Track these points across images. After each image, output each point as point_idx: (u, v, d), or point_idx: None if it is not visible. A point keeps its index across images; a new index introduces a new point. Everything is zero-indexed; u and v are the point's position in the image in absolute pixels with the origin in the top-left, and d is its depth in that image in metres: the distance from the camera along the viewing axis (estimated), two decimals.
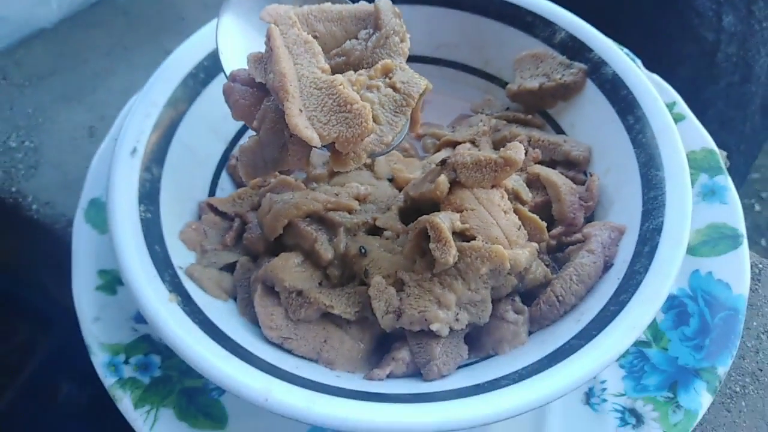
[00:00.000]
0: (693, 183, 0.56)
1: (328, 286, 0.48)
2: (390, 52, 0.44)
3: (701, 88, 0.99)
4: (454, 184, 0.47)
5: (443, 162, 0.48)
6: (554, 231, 0.51)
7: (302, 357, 0.46)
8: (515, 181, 0.50)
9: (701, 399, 0.46)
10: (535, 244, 0.47)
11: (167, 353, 0.49)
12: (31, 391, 0.86)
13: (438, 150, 0.60)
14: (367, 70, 0.43)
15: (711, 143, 0.59)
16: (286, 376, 0.41)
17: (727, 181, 0.56)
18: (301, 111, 0.39)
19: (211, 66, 0.55)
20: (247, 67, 0.42)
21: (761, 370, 0.55)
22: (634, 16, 0.93)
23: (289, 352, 0.46)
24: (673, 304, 0.51)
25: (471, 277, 0.44)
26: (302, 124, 0.38)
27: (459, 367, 0.46)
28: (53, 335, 0.90)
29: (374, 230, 0.51)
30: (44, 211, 0.66)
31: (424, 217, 0.45)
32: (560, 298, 0.46)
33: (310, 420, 0.38)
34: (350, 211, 0.52)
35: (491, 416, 0.38)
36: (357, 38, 0.44)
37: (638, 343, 0.50)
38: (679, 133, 0.53)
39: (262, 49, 0.41)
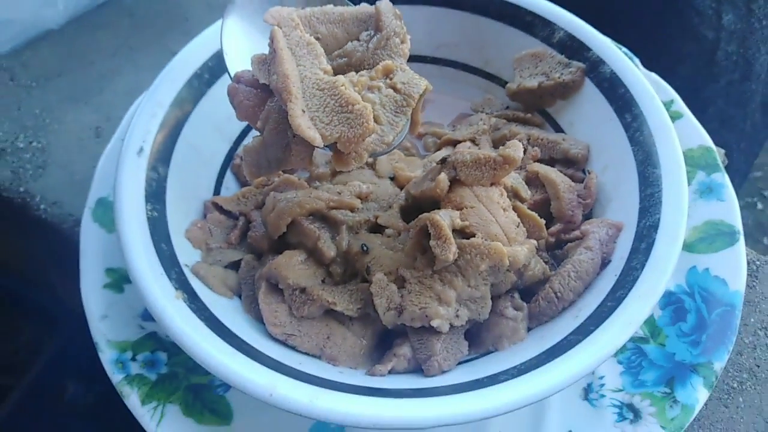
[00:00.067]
0: (690, 180, 0.56)
1: (331, 283, 0.49)
2: (391, 53, 0.44)
3: (701, 87, 0.99)
4: (454, 182, 0.48)
5: (443, 160, 0.49)
6: (553, 228, 0.52)
7: (306, 353, 0.47)
8: (514, 179, 0.51)
9: (698, 394, 0.47)
10: (534, 242, 0.47)
11: (173, 350, 0.50)
12: (38, 390, 0.87)
13: (439, 149, 0.61)
14: (369, 71, 0.43)
15: (708, 141, 0.59)
16: (290, 372, 0.42)
17: (724, 179, 0.57)
18: (303, 111, 0.39)
19: (215, 67, 0.56)
20: (251, 69, 0.43)
21: (758, 366, 0.56)
22: (635, 15, 0.93)
23: (293, 348, 0.47)
24: (670, 300, 0.52)
25: (471, 273, 0.44)
26: (305, 124, 0.39)
27: (459, 363, 0.46)
28: (59, 335, 0.91)
29: (376, 228, 0.52)
30: (52, 211, 0.66)
31: (425, 214, 0.46)
32: (558, 294, 0.46)
33: (314, 415, 0.39)
34: (352, 210, 0.52)
35: (490, 410, 0.38)
36: (358, 40, 0.45)
37: (636, 339, 0.50)
38: (677, 130, 0.53)
39: (266, 50, 0.42)
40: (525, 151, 0.56)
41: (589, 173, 0.54)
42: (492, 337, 0.47)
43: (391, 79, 0.43)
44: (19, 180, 0.68)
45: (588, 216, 0.53)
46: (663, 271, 0.43)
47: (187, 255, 0.50)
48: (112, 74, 0.77)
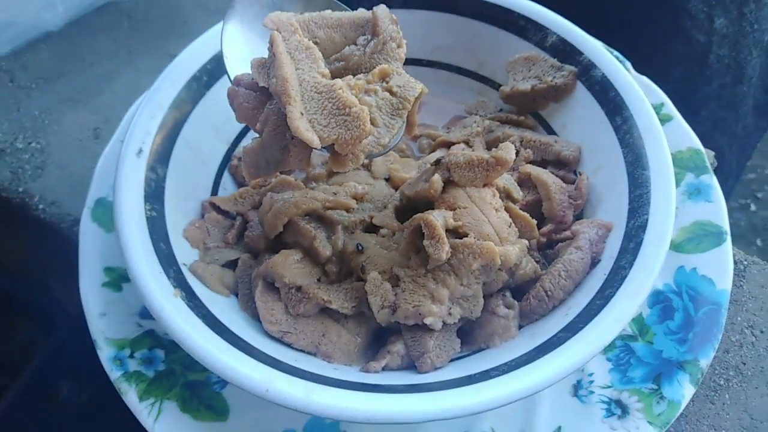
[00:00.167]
0: (679, 182, 0.58)
1: (327, 282, 0.50)
2: (387, 57, 0.45)
3: (694, 89, 1.00)
4: (448, 183, 0.49)
5: (437, 162, 0.50)
6: (544, 228, 0.53)
7: (301, 350, 0.48)
8: (506, 180, 0.52)
9: (684, 390, 0.48)
10: (526, 241, 0.48)
11: (171, 348, 0.50)
12: (33, 390, 0.87)
13: (433, 150, 0.62)
14: (365, 74, 0.44)
15: (697, 143, 0.60)
16: (285, 368, 0.42)
17: (712, 180, 0.58)
18: (302, 114, 0.40)
19: (214, 69, 0.57)
20: (250, 72, 0.44)
21: (744, 364, 0.56)
22: (628, 18, 0.94)
23: (289, 345, 0.48)
24: (658, 299, 0.53)
25: (463, 272, 0.45)
26: (303, 126, 0.40)
27: (452, 360, 0.47)
28: (55, 335, 0.91)
29: (371, 228, 0.53)
30: (50, 211, 0.67)
31: (419, 215, 0.47)
32: (549, 293, 0.47)
33: (309, 410, 0.40)
34: (348, 210, 0.53)
35: (481, 405, 0.39)
36: (356, 44, 0.46)
37: (625, 337, 0.52)
38: (667, 133, 0.54)
39: (265, 54, 0.43)
40: (518, 153, 0.57)
41: (580, 174, 0.55)
42: (484, 335, 0.48)
43: (387, 82, 0.44)
44: (18, 180, 0.69)
45: (579, 216, 0.54)
46: (650, 270, 0.44)
47: (185, 254, 0.51)
48: (111, 76, 0.78)
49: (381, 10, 0.45)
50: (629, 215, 0.49)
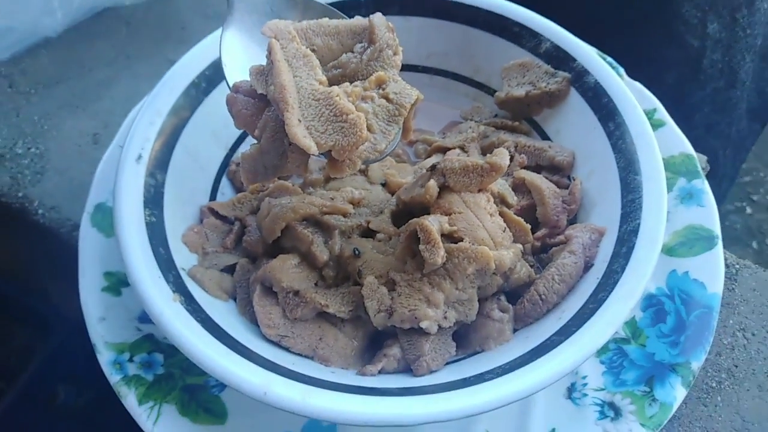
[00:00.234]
0: (672, 186, 0.59)
1: (324, 286, 0.50)
2: (383, 64, 0.46)
3: (688, 94, 1.01)
4: (443, 188, 0.49)
5: (433, 167, 0.50)
6: (539, 233, 0.54)
7: (299, 354, 0.48)
8: (501, 186, 0.53)
9: (676, 393, 0.48)
10: (520, 246, 0.49)
11: (170, 352, 0.51)
12: (31, 394, 0.87)
13: (429, 156, 0.62)
14: (362, 81, 0.45)
15: (689, 148, 0.61)
16: (283, 371, 0.43)
17: (704, 185, 0.58)
18: (300, 121, 0.41)
19: (212, 75, 0.57)
20: (249, 79, 0.44)
21: (736, 367, 0.57)
22: (623, 24, 0.95)
23: (287, 349, 0.48)
24: (651, 302, 0.53)
25: (458, 276, 0.46)
26: (301, 133, 0.40)
27: (447, 363, 0.48)
28: (52, 339, 0.91)
29: (368, 233, 0.53)
30: (50, 216, 0.67)
31: (415, 220, 0.47)
32: (543, 296, 0.48)
33: (307, 413, 0.40)
34: (345, 215, 0.53)
35: (476, 408, 0.40)
36: (352, 51, 0.46)
37: (618, 340, 0.52)
38: (659, 138, 0.55)
39: (264, 62, 0.43)
40: (512, 158, 0.58)
41: (574, 180, 0.56)
42: (479, 338, 0.48)
43: (383, 89, 0.44)
44: (18, 185, 0.69)
45: (573, 221, 0.55)
46: (642, 274, 0.45)
47: (184, 259, 0.51)
48: (110, 82, 0.78)
49: (377, 18, 0.46)
50: (622, 220, 0.49)
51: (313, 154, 0.41)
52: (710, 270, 0.54)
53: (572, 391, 0.50)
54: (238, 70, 0.48)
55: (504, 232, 0.49)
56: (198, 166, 0.57)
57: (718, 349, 0.58)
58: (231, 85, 0.46)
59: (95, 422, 0.89)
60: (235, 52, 0.49)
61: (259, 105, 0.44)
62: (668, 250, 0.55)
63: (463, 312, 0.47)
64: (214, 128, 0.58)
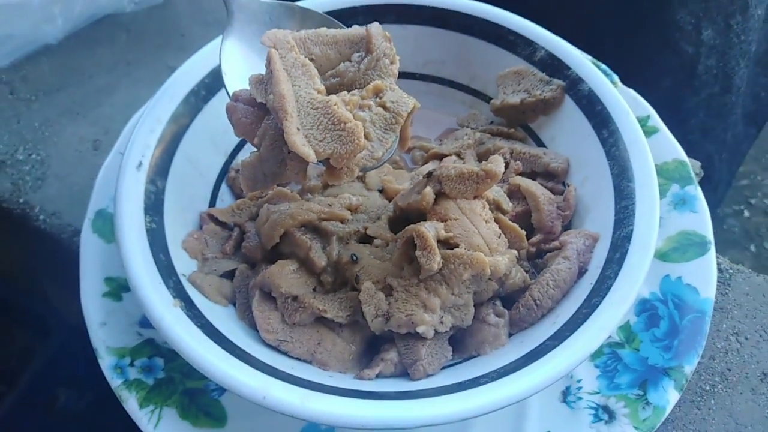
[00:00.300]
0: (665, 193, 0.59)
1: (322, 291, 0.51)
2: (381, 73, 0.46)
3: (683, 99, 1.02)
4: (440, 195, 0.50)
5: (429, 174, 0.51)
6: (534, 239, 0.54)
7: (297, 358, 0.49)
8: (496, 192, 0.53)
9: (669, 396, 0.49)
10: (515, 251, 0.50)
11: (170, 356, 0.51)
12: (30, 396, 0.88)
13: (426, 162, 0.63)
14: (360, 90, 0.45)
15: (683, 155, 0.62)
16: (282, 376, 0.43)
17: (697, 191, 0.59)
18: (298, 129, 0.41)
19: (211, 83, 0.58)
20: (248, 88, 0.45)
21: (730, 370, 0.58)
22: (619, 30, 0.96)
23: (285, 353, 0.49)
24: (645, 307, 0.54)
25: (454, 282, 0.46)
26: (300, 141, 0.41)
27: (443, 367, 0.48)
28: (52, 342, 0.92)
29: (365, 239, 0.54)
30: (51, 222, 0.68)
31: (411, 226, 0.48)
32: (538, 301, 0.49)
33: (305, 416, 0.41)
34: (343, 221, 0.54)
35: (471, 411, 0.40)
36: (350, 60, 0.47)
37: (612, 345, 0.53)
38: (653, 145, 0.55)
39: (263, 71, 0.44)
40: (508, 165, 0.59)
41: (569, 186, 0.57)
42: (475, 343, 0.49)
43: (381, 98, 0.45)
44: (19, 191, 0.70)
45: (567, 227, 0.56)
46: (635, 280, 0.45)
47: (184, 265, 0.52)
48: (110, 88, 0.79)
49: (374, 27, 0.46)
50: (615, 226, 0.50)
51: (311, 162, 0.42)
52: (703, 275, 0.54)
53: (567, 395, 0.51)
54: (237, 79, 0.49)
55: (499, 238, 0.49)
56: (197, 173, 0.58)
57: (711, 353, 0.58)
58: (231, 93, 0.47)
59: (95, 425, 0.90)
60: (235, 61, 0.50)
61: (258, 113, 0.45)
62: (661, 256, 0.56)
63: (459, 317, 0.48)
64: (214, 135, 0.59)
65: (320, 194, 0.58)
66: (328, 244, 0.52)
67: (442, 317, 0.47)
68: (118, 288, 0.54)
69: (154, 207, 0.51)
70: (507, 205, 0.53)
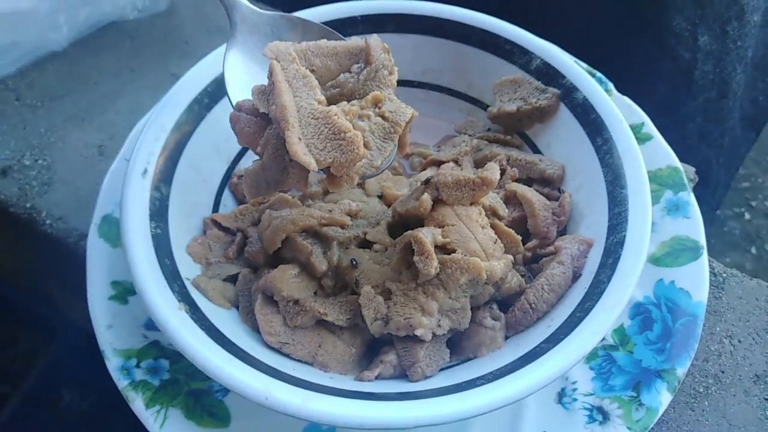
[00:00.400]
0: (659, 199, 0.60)
1: (323, 295, 0.52)
2: (380, 84, 0.47)
3: (680, 104, 1.03)
4: (437, 201, 0.51)
5: (427, 181, 0.52)
6: (529, 244, 0.55)
7: (299, 360, 0.50)
8: (492, 199, 0.54)
9: (661, 398, 0.50)
10: (510, 257, 0.50)
11: (175, 358, 0.52)
12: (35, 397, 0.89)
13: (424, 168, 0.64)
14: (359, 100, 0.46)
15: (676, 161, 0.63)
16: (284, 377, 0.44)
17: (690, 197, 0.60)
18: (300, 139, 0.42)
19: (214, 92, 0.59)
20: (251, 98, 0.46)
21: (723, 372, 0.58)
22: (616, 37, 0.97)
23: (287, 356, 0.50)
24: (639, 310, 0.55)
25: (451, 286, 0.47)
26: (301, 150, 0.42)
27: (441, 369, 0.49)
28: (56, 344, 0.93)
29: (365, 244, 0.55)
30: (57, 226, 0.68)
31: (409, 232, 0.49)
32: (533, 305, 0.50)
33: (306, 416, 0.41)
34: (343, 226, 0.55)
35: (468, 412, 0.41)
36: (350, 71, 0.48)
37: (607, 347, 0.54)
38: (647, 151, 0.56)
39: (265, 82, 0.45)
40: (504, 172, 0.60)
41: (564, 192, 0.58)
42: (472, 345, 0.50)
43: (380, 108, 0.46)
44: (26, 196, 0.71)
45: (562, 232, 0.57)
46: (627, 285, 0.46)
47: (188, 269, 0.53)
48: (115, 95, 0.80)
49: (373, 39, 0.47)
50: (609, 232, 0.51)
51: (312, 170, 0.43)
52: (695, 279, 0.55)
53: (562, 396, 0.52)
54: (240, 89, 0.50)
55: (495, 243, 0.50)
56: (201, 179, 0.59)
57: (705, 356, 0.59)
58: (234, 103, 0.48)
59: (99, 425, 0.91)
60: (238, 71, 0.51)
61: (261, 123, 0.46)
62: (655, 260, 0.57)
63: (456, 320, 0.49)
64: (217, 142, 0.60)
65: (321, 200, 0.59)
66: (329, 248, 0.53)
67: (439, 320, 0.48)
68: (124, 291, 0.55)
69: (159, 213, 0.52)
70: (503, 211, 0.54)
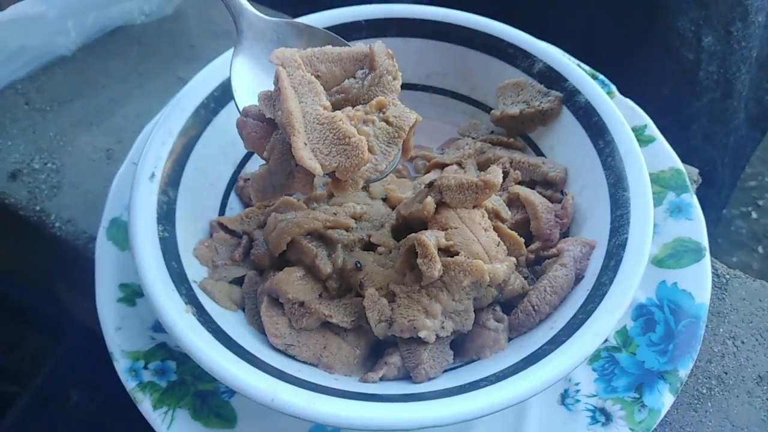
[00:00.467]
0: (661, 200, 0.60)
1: (327, 297, 0.52)
2: (384, 89, 0.48)
3: (685, 105, 1.03)
4: (440, 204, 0.51)
5: (430, 185, 0.52)
6: (532, 246, 0.56)
7: (304, 362, 0.50)
8: (495, 201, 0.55)
9: (664, 399, 0.50)
10: (513, 259, 0.51)
11: (182, 359, 0.53)
12: (43, 397, 0.89)
13: (428, 171, 0.64)
14: (364, 105, 0.47)
15: (678, 163, 0.63)
16: (289, 378, 0.45)
17: (692, 199, 0.60)
18: (305, 144, 0.43)
19: (220, 96, 0.59)
20: (258, 104, 0.46)
21: (726, 374, 0.58)
22: (619, 38, 0.97)
23: (293, 357, 0.50)
24: (641, 312, 0.55)
25: (455, 288, 0.48)
26: (307, 155, 0.42)
27: (445, 371, 0.50)
28: (65, 344, 0.94)
29: (369, 246, 0.55)
30: (66, 229, 0.69)
31: (413, 235, 0.49)
32: (536, 307, 0.50)
33: (312, 418, 0.42)
34: (347, 229, 0.55)
35: (472, 413, 0.42)
36: (355, 77, 0.48)
37: (610, 349, 0.54)
38: (650, 153, 0.56)
39: (272, 88, 0.46)
40: (507, 174, 0.60)
41: (566, 195, 0.58)
42: (475, 347, 0.50)
43: (384, 113, 0.46)
44: (35, 199, 0.71)
45: (565, 234, 0.57)
46: (629, 287, 0.46)
47: (195, 272, 0.53)
48: (122, 99, 0.80)
49: (377, 46, 0.48)
50: (611, 234, 0.51)
51: (318, 175, 0.43)
52: (698, 281, 0.55)
53: (565, 397, 0.52)
54: (246, 95, 0.50)
55: (498, 246, 0.51)
56: (208, 183, 0.60)
57: (708, 357, 0.59)
58: (241, 109, 0.49)
59: (106, 425, 0.91)
60: (244, 77, 0.51)
61: (267, 128, 0.46)
62: (658, 262, 0.57)
63: (459, 322, 0.49)
64: (223, 146, 0.60)
65: (326, 203, 0.59)
66: (334, 251, 0.53)
67: (443, 322, 0.48)
68: (132, 294, 0.56)
69: (166, 216, 0.53)
70: (506, 213, 0.55)
